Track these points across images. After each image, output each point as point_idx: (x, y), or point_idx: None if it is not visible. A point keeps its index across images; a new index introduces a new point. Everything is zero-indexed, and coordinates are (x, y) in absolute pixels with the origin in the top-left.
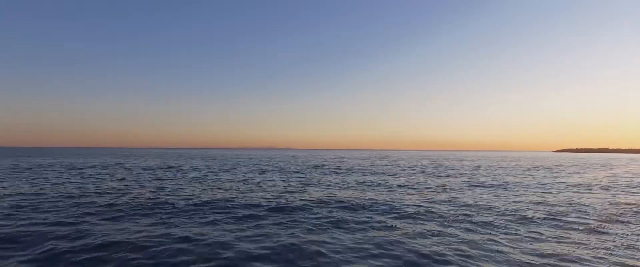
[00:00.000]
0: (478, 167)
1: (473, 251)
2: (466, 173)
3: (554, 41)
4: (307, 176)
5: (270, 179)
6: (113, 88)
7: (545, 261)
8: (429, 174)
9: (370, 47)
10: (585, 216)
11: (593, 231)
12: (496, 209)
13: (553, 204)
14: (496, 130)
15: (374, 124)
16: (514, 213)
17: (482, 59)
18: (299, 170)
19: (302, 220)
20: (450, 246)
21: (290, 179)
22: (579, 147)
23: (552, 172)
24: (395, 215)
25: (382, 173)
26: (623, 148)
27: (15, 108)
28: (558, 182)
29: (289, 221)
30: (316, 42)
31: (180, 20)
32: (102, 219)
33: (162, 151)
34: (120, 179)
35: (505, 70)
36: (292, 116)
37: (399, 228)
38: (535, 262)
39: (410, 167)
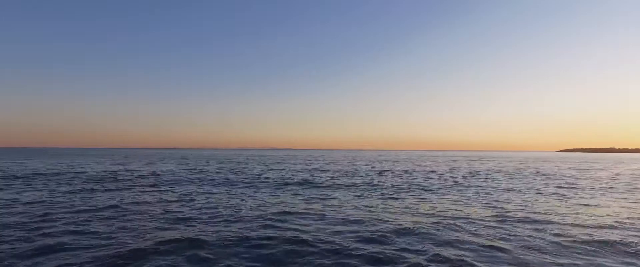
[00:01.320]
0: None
1: None
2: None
3: (555, 40)
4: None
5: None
6: (112, 88)
7: None
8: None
9: (370, 47)
10: None
11: None
12: None
13: None
14: (498, 130)
15: (375, 124)
16: None
17: (483, 58)
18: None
19: None
20: None
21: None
22: (583, 147)
23: None
24: None
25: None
26: (630, 148)
27: (15, 108)
28: None
29: None
30: (316, 42)
31: (180, 20)
32: None
33: (152, 152)
34: None
35: (507, 70)
36: (292, 116)
37: None
38: None
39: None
